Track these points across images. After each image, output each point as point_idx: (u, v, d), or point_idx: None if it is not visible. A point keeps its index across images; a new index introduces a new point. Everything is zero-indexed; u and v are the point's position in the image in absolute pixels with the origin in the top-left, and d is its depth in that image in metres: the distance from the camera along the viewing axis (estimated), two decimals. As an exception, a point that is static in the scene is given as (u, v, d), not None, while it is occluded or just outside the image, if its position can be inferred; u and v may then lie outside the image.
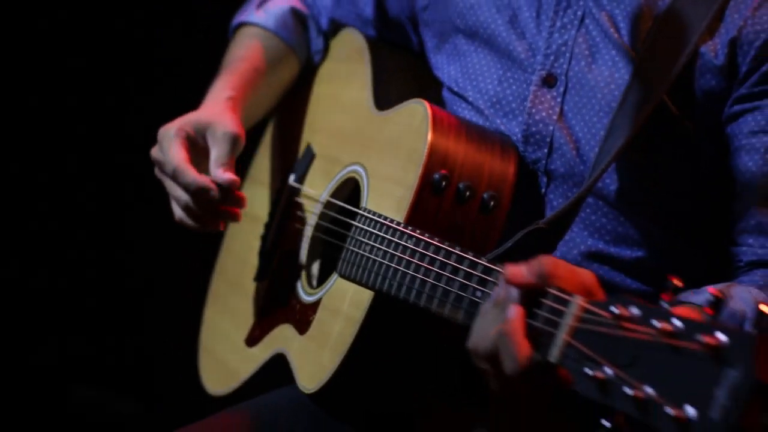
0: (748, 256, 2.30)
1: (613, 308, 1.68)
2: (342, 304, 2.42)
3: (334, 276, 2.48)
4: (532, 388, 1.88)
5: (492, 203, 2.35)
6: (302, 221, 2.72)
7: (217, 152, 2.55)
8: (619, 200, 2.37)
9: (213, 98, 2.71)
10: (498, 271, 2.00)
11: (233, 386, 2.77)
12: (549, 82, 2.44)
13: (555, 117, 2.42)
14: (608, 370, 1.66)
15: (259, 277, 2.82)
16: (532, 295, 1.85)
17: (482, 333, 1.92)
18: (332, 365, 2.35)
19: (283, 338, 2.61)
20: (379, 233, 2.33)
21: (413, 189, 2.34)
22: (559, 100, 2.43)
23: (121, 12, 4.26)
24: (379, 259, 2.29)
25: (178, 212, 2.60)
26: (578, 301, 1.77)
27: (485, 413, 2.42)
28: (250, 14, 2.96)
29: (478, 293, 2.02)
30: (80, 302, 4.38)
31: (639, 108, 2.29)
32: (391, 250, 2.27)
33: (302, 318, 2.55)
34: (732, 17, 2.30)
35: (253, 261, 2.86)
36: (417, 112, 2.46)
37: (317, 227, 2.67)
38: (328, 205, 2.65)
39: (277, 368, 2.63)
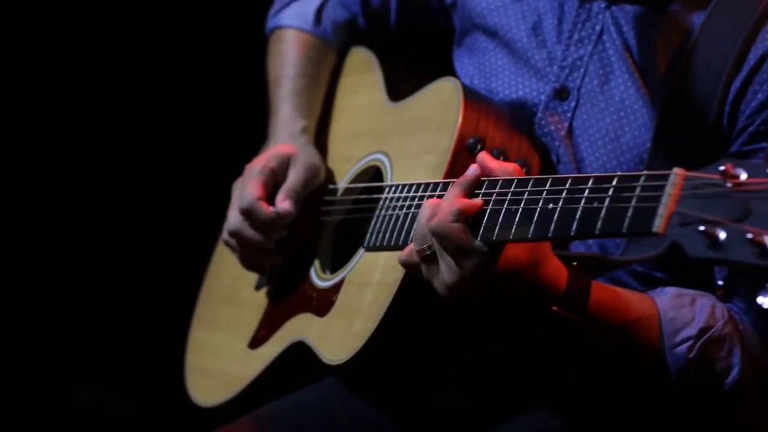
0: None
1: (719, 167, 1.69)
2: (372, 275, 2.40)
3: (359, 253, 2.47)
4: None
5: (525, 170, 2.36)
6: (313, 217, 2.71)
7: (292, 179, 2.67)
8: None
9: (288, 129, 2.79)
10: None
11: (237, 390, 2.72)
12: (561, 95, 2.42)
13: (563, 133, 2.40)
14: (721, 226, 1.66)
15: (263, 283, 2.80)
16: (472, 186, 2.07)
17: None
18: (367, 330, 2.32)
19: (298, 327, 2.58)
20: (416, 194, 2.33)
21: (449, 152, 2.34)
22: (569, 115, 2.41)
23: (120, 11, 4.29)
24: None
25: (227, 238, 2.71)
26: (678, 171, 1.77)
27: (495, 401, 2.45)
28: (308, 22, 2.95)
29: (551, 204, 1.97)
30: (81, 302, 4.36)
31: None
32: None
33: (321, 302, 2.53)
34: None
35: (251, 275, 2.84)
36: (446, 87, 2.48)
37: (333, 214, 2.68)
38: (346, 191, 2.67)
39: (286, 371, 2.63)
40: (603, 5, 2.41)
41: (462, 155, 2.34)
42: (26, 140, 4.27)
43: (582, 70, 2.41)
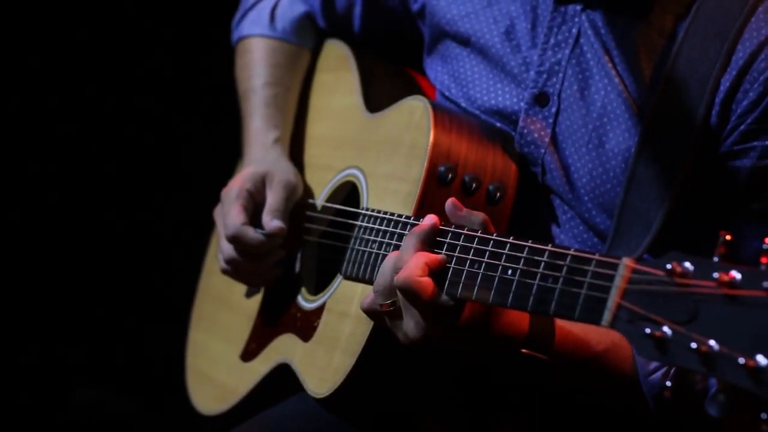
0: None
1: (667, 265, 1.66)
2: (350, 306, 2.38)
3: (338, 279, 2.45)
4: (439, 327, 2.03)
5: (498, 194, 2.34)
6: (297, 230, 2.67)
7: (272, 199, 2.60)
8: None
9: (260, 143, 2.73)
10: (525, 245, 1.96)
11: (232, 403, 2.72)
12: (541, 101, 2.37)
13: (547, 140, 2.36)
14: (667, 328, 1.63)
15: (253, 291, 2.78)
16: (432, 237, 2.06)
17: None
18: (346, 367, 2.31)
19: (284, 348, 2.56)
20: (388, 229, 2.31)
21: (419, 183, 2.31)
22: (551, 121, 2.36)
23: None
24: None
25: (225, 267, 2.66)
26: (627, 263, 1.75)
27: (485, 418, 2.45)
28: (264, 26, 2.89)
29: (509, 271, 1.98)
30: (81, 302, 4.37)
31: (668, 180, 2.21)
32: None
33: (305, 325, 2.51)
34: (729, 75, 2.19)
35: None
36: (416, 108, 2.43)
37: (313, 233, 2.65)
38: (324, 210, 2.63)
39: (278, 381, 2.61)
40: (578, 8, 2.35)
41: (433, 185, 2.32)
42: (26, 140, 4.27)
43: (561, 74, 2.36)
